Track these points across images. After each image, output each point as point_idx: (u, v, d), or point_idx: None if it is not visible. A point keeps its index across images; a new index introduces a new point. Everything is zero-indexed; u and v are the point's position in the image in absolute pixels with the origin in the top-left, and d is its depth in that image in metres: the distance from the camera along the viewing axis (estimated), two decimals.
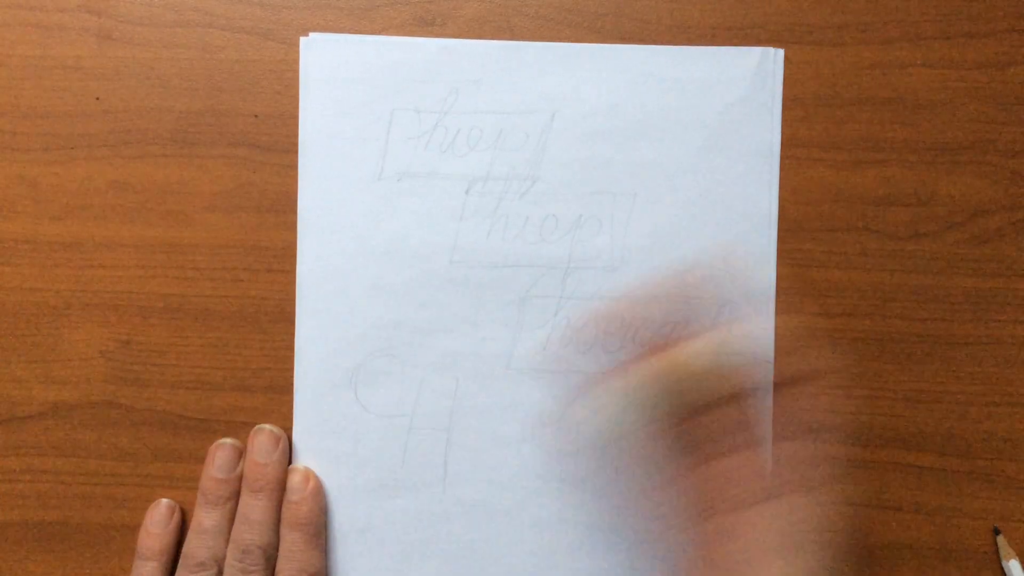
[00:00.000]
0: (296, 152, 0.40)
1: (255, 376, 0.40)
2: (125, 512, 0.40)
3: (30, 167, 0.40)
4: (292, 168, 0.40)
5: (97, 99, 0.40)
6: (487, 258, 0.39)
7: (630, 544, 0.38)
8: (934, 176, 0.40)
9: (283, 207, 0.40)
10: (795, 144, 0.40)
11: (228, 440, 0.39)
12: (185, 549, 0.38)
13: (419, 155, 0.39)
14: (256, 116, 0.40)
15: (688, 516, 0.31)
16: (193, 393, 0.40)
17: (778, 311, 0.39)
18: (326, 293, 0.39)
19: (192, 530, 0.38)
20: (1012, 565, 0.39)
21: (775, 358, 0.39)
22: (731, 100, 0.40)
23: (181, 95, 0.40)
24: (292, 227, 0.40)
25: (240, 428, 0.40)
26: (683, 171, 0.39)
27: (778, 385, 0.39)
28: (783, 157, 0.40)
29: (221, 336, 0.40)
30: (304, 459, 0.39)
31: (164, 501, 0.39)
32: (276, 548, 0.38)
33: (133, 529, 0.39)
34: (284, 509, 0.38)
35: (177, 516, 0.39)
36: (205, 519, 0.38)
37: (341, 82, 0.40)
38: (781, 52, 0.40)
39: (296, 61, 0.40)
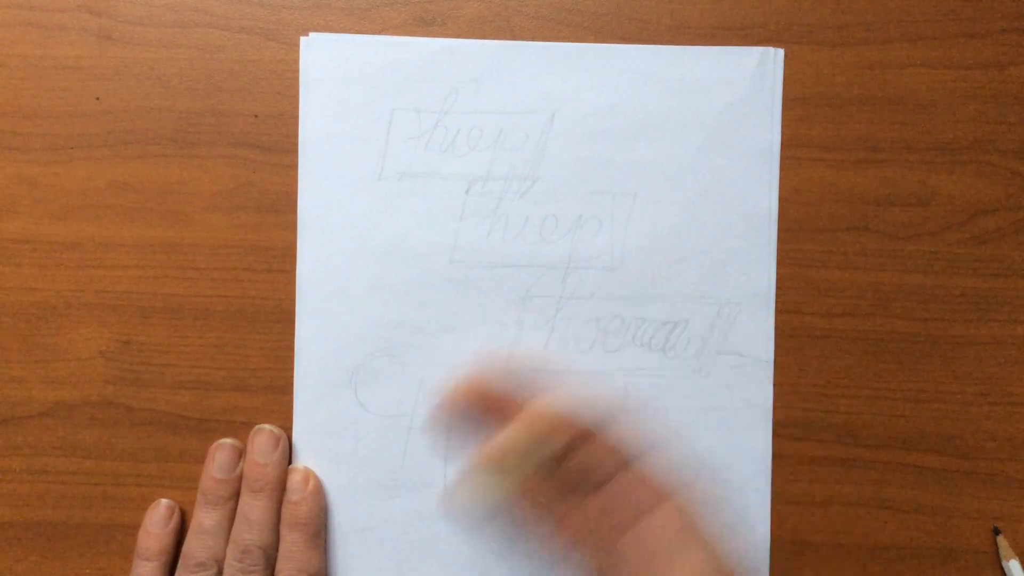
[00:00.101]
0: (296, 152, 0.40)
1: (255, 376, 0.40)
2: (125, 512, 0.40)
3: (30, 167, 0.40)
4: (292, 168, 0.40)
5: (97, 99, 0.40)
6: (487, 258, 0.39)
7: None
8: (934, 176, 0.40)
9: (283, 207, 0.40)
10: (795, 144, 0.40)
11: (228, 440, 0.39)
12: (185, 549, 0.38)
13: (419, 155, 0.39)
14: (256, 116, 0.40)
15: (596, 541, 0.33)
16: (193, 393, 0.40)
17: (778, 311, 0.39)
18: (326, 293, 0.39)
19: (192, 530, 0.38)
20: (1012, 565, 0.39)
21: (775, 358, 0.39)
22: (731, 100, 0.40)
23: (181, 95, 0.40)
24: (292, 227, 0.40)
25: (240, 428, 0.40)
26: (683, 171, 0.39)
27: (778, 385, 0.39)
28: (783, 157, 0.40)
29: (221, 336, 0.40)
30: (304, 459, 0.39)
31: (164, 501, 0.39)
32: (276, 548, 0.38)
33: (133, 529, 0.39)
34: (284, 509, 0.38)
35: (177, 516, 0.39)
36: (205, 519, 0.38)
37: (341, 82, 0.39)
38: (781, 52, 0.40)
39: (296, 61, 0.40)
